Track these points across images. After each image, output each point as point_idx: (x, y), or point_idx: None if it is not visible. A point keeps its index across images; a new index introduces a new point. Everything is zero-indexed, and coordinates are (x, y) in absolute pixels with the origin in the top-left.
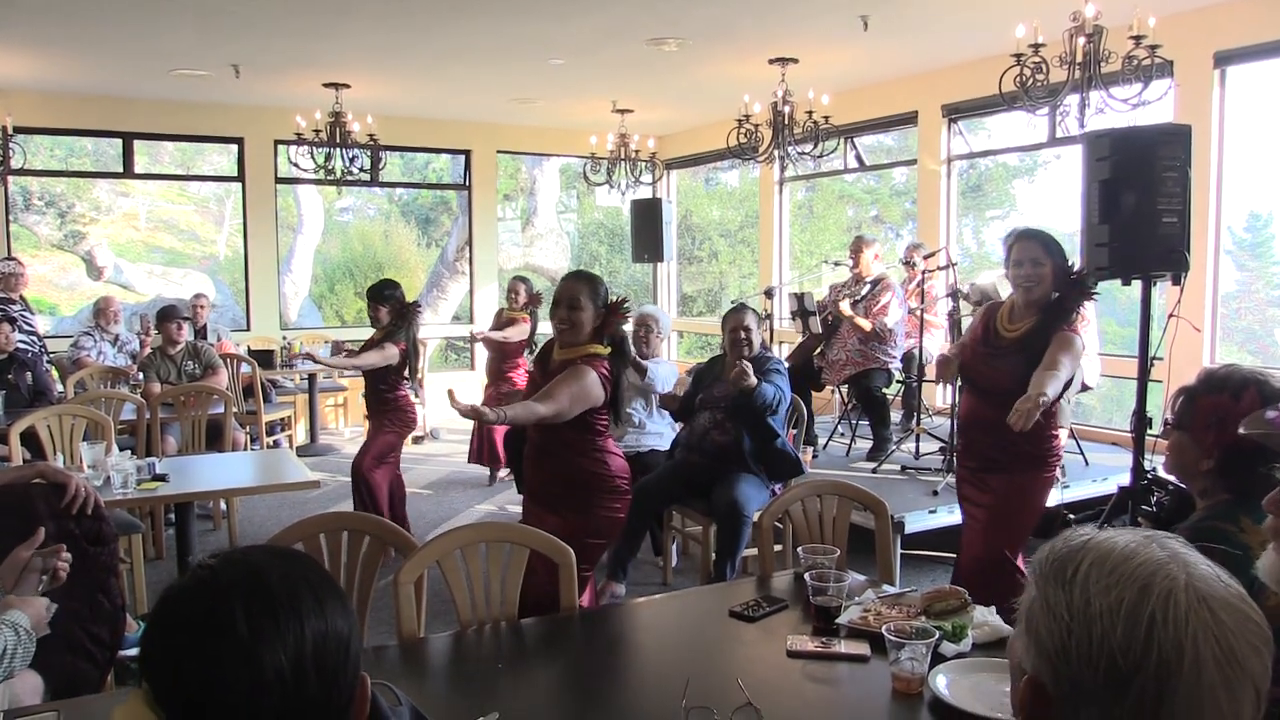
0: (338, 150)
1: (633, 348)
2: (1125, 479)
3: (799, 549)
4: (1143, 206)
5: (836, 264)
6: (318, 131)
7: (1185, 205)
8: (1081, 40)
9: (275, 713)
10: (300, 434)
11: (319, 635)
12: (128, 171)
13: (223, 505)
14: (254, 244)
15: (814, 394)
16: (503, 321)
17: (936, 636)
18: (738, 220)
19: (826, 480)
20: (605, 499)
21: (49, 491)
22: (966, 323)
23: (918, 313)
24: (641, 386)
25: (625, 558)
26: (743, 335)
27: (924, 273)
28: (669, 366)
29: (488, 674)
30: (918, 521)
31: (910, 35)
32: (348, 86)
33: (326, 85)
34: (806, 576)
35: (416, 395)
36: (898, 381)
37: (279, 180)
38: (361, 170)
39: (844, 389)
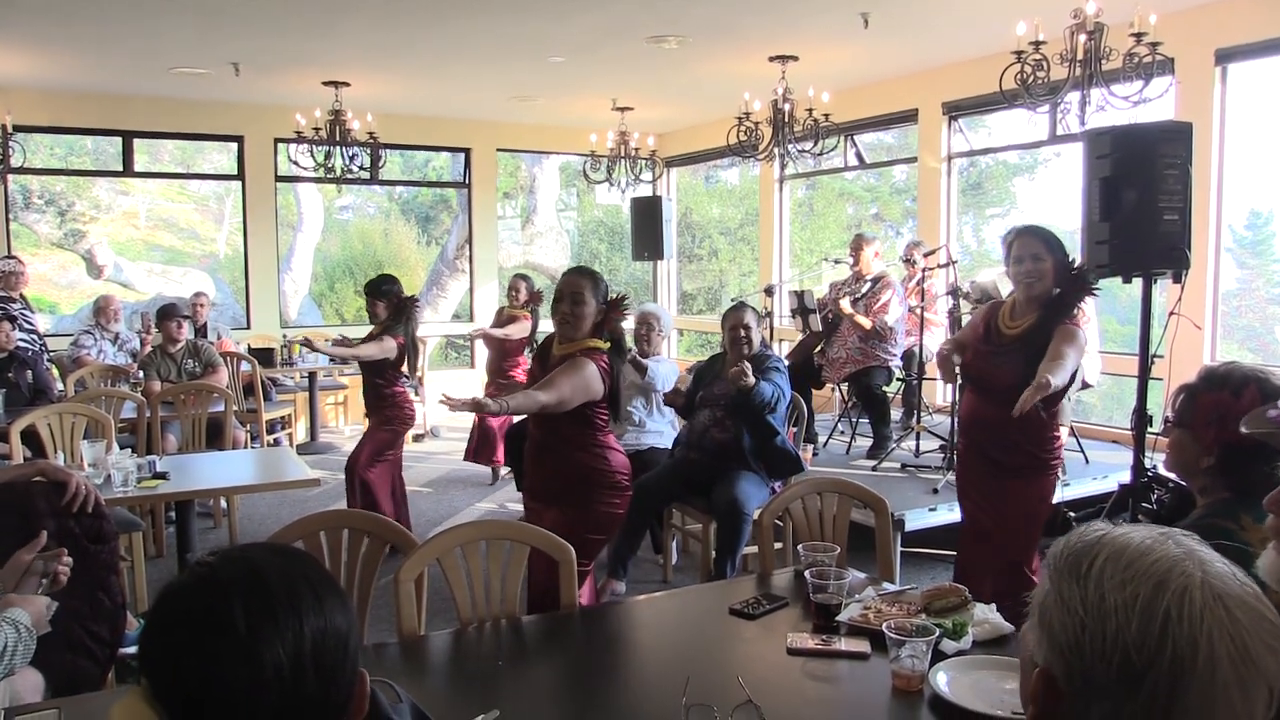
0: (338, 148)
1: (633, 346)
2: (1126, 477)
3: (799, 546)
4: (1143, 204)
5: (837, 262)
6: (317, 130)
7: (1186, 203)
8: (1082, 38)
9: (274, 710)
10: (300, 432)
11: (318, 633)
12: (127, 170)
13: (223, 503)
14: (254, 242)
15: (814, 392)
16: (503, 319)
17: (936, 634)
18: (738, 218)
19: (827, 478)
20: (605, 494)
21: (49, 489)
22: (966, 321)
23: (918, 311)
24: (642, 385)
25: (625, 555)
26: (742, 333)
27: (924, 271)
28: (669, 365)
29: (488, 671)
30: (918, 519)
31: (910, 33)
32: (348, 84)
33: (326, 83)
34: (807, 574)
35: (416, 393)
36: (898, 379)
37: (279, 178)
38: (361, 168)
39: (844, 387)
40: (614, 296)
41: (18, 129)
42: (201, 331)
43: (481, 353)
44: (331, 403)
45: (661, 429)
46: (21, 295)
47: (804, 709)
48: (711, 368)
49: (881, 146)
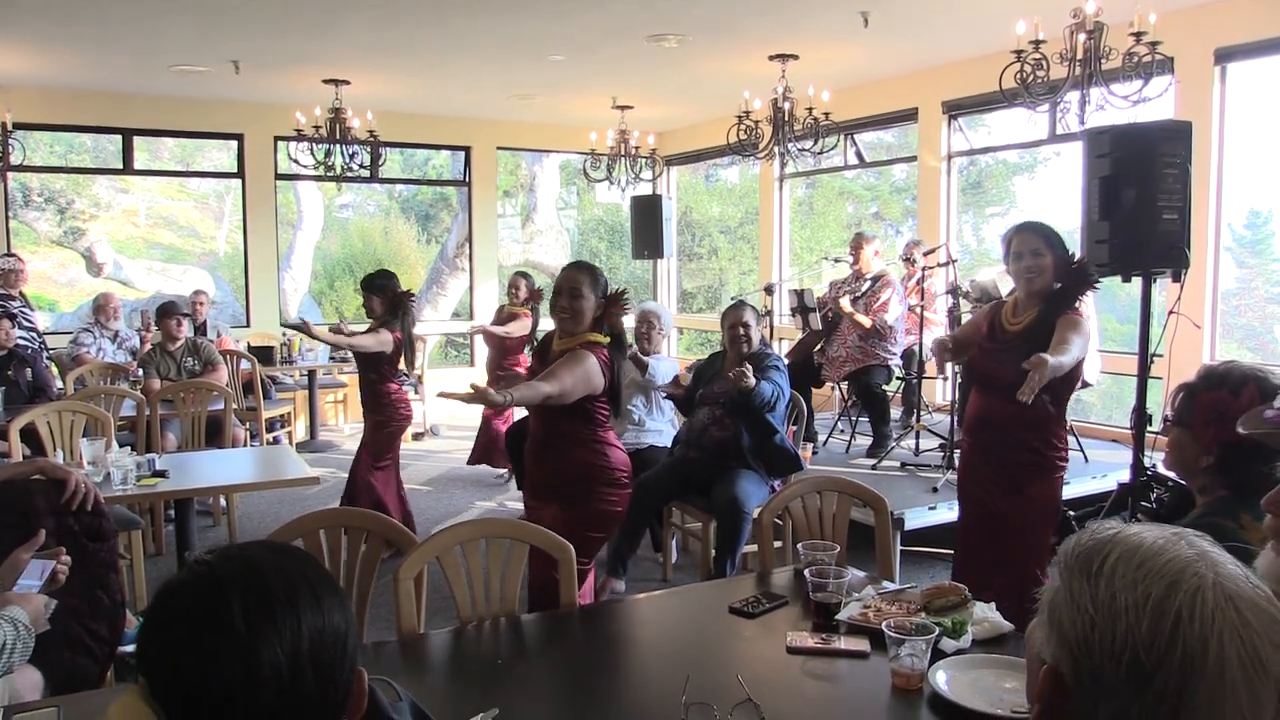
0: (338, 146)
1: (634, 344)
2: (1125, 476)
3: (799, 545)
4: (1143, 203)
5: (836, 260)
6: (318, 128)
7: (1185, 202)
8: (1082, 37)
9: (272, 708)
10: (300, 430)
11: (316, 631)
12: (127, 168)
13: (222, 501)
14: (254, 240)
15: (814, 391)
16: (504, 317)
17: (936, 633)
18: (738, 217)
19: (826, 477)
20: (605, 491)
21: (49, 487)
22: (965, 320)
23: (918, 309)
24: (642, 383)
25: (625, 554)
26: (742, 332)
27: (924, 269)
28: (670, 363)
29: (487, 670)
30: (917, 518)
31: (910, 32)
32: (348, 83)
33: (326, 81)
34: (806, 573)
35: (416, 391)
36: (897, 378)
37: (279, 176)
38: (361, 166)
39: (844, 386)
40: (614, 291)
41: (18, 126)
42: (201, 330)
43: (481, 351)
44: (331, 401)
45: (661, 428)
46: (21, 293)
47: (803, 708)
48: (711, 366)
49: (881, 145)
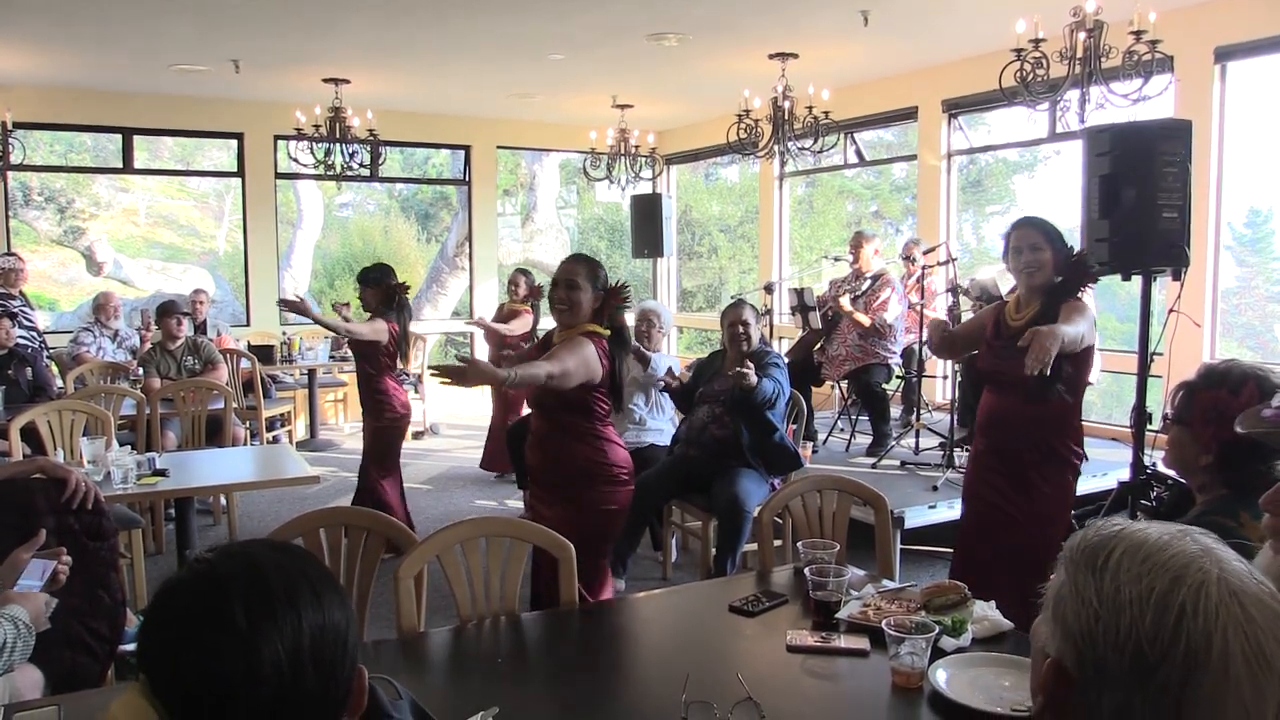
0: (337, 145)
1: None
2: (1125, 474)
3: (799, 544)
4: (1143, 202)
5: (836, 259)
6: (317, 127)
7: (1185, 200)
8: (1082, 35)
9: (272, 705)
10: (300, 429)
11: (316, 629)
12: (127, 167)
13: (223, 500)
14: (254, 239)
15: (814, 389)
16: (504, 315)
17: (936, 631)
18: (738, 215)
19: (826, 475)
20: (606, 488)
21: (49, 486)
22: (965, 319)
23: (918, 308)
24: (643, 380)
25: (625, 553)
26: (741, 330)
27: (923, 268)
28: (671, 359)
29: (488, 668)
30: (917, 516)
31: (910, 30)
32: (348, 82)
33: (326, 80)
34: (806, 571)
35: (416, 391)
36: (897, 377)
37: (279, 175)
38: (361, 165)
39: (844, 384)
40: (614, 284)
41: (18, 126)
42: (201, 328)
43: (481, 349)
44: (331, 400)
45: (662, 426)
46: (21, 292)
47: (803, 706)
48: (712, 364)
49: (881, 144)
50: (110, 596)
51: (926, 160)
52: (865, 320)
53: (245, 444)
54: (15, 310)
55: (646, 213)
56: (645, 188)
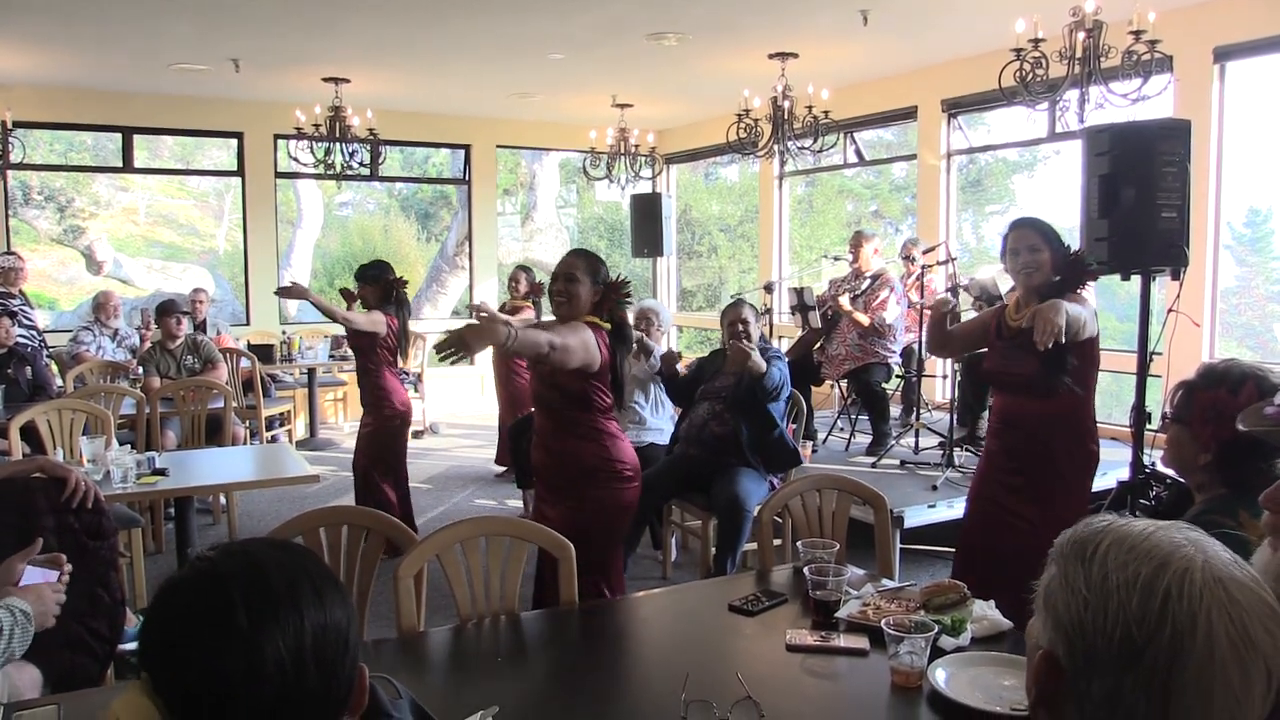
0: (337, 145)
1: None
2: (1124, 473)
3: (798, 543)
4: (1142, 201)
5: (836, 258)
6: (317, 126)
7: (1185, 200)
8: (1081, 35)
9: (274, 703)
10: (300, 429)
11: (318, 627)
12: (127, 166)
13: (222, 500)
14: (253, 238)
15: (813, 389)
16: (506, 312)
17: (935, 630)
18: (737, 215)
19: (826, 475)
20: (610, 486)
21: (49, 485)
22: (964, 318)
23: (918, 306)
24: (644, 377)
25: (625, 552)
26: (741, 328)
27: (922, 268)
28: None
29: (487, 668)
30: (917, 516)
31: (910, 30)
32: (348, 81)
33: (326, 80)
34: (806, 571)
35: (416, 390)
36: (897, 376)
37: (279, 175)
38: (361, 165)
39: (843, 384)
40: (614, 280)
41: (17, 125)
42: (201, 328)
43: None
44: (331, 399)
45: (663, 425)
46: (21, 291)
47: (803, 705)
48: (713, 362)
49: (881, 144)
50: (110, 596)
51: (926, 160)
52: (864, 320)
53: (245, 443)
54: (15, 309)
55: (646, 212)
56: (645, 187)
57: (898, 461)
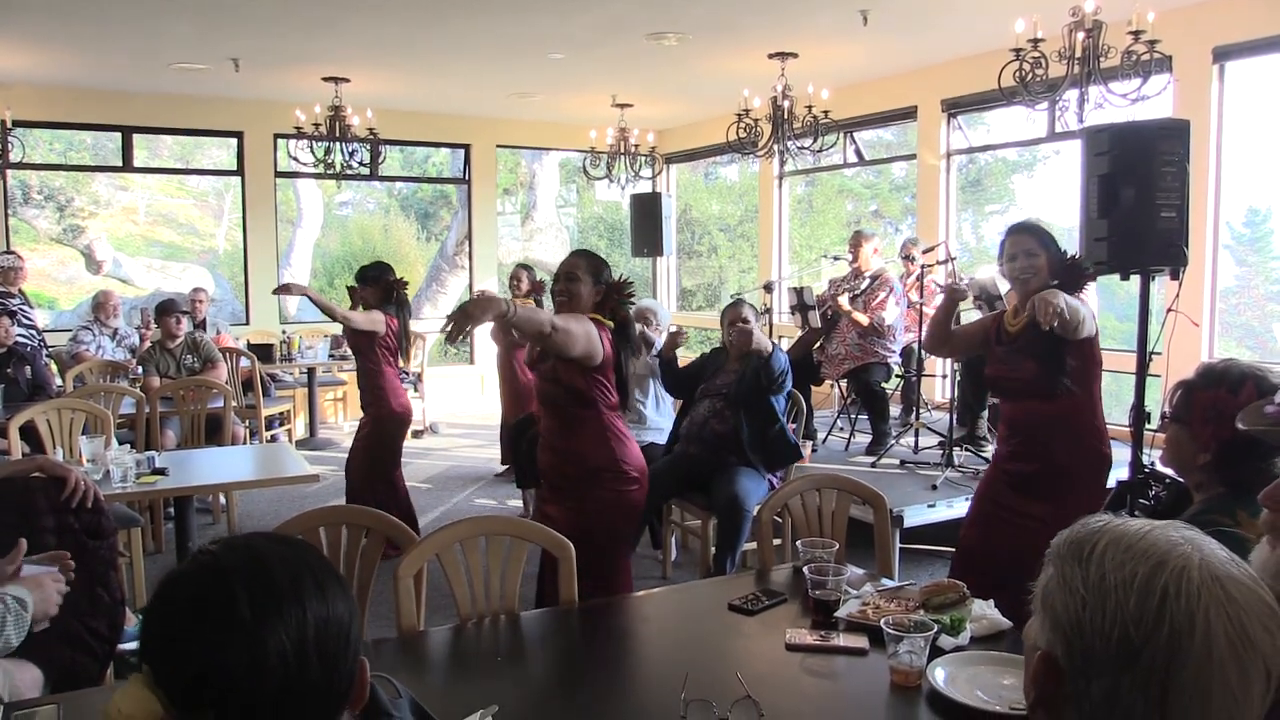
0: (337, 144)
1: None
2: (1123, 473)
3: (798, 543)
4: (1141, 201)
5: (836, 258)
6: (317, 125)
7: (1184, 200)
8: (1081, 35)
9: (277, 696)
10: (299, 428)
11: (321, 620)
12: (127, 165)
13: (222, 499)
14: (253, 238)
15: (813, 388)
16: None
17: (935, 630)
18: (737, 215)
19: (826, 474)
20: (615, 488)
21: (49, 485)
22: (964, 318)
23: (917, 306)
24: (645, 371)
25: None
26: (741, 327)
27: (922, 268)
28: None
29: (487, 667)
30: (916, 515)
31: (910, 30)
32: (347, 81)
33: (326, 79)
34: (805, 570)
35: (415, 389)
36: (897, 376)
37: (278, 174)
38: (361, 164)
39: (843, 383)
40: (618, 279)
41: (17, 124)
42: (200, 327)
43: (481, 348)
44: (331, 399)
45: (662, 425)
46: (20, 290)
47: (802, 705)
48: (715, 360)
49: (881, 143)
50: (109, 595)
51: (926, 160)
52: (864, 319)
53: (245, 443)
54: (14, 308)
55: (646, 212)
56: (645, 187)
57: (897, 461)
